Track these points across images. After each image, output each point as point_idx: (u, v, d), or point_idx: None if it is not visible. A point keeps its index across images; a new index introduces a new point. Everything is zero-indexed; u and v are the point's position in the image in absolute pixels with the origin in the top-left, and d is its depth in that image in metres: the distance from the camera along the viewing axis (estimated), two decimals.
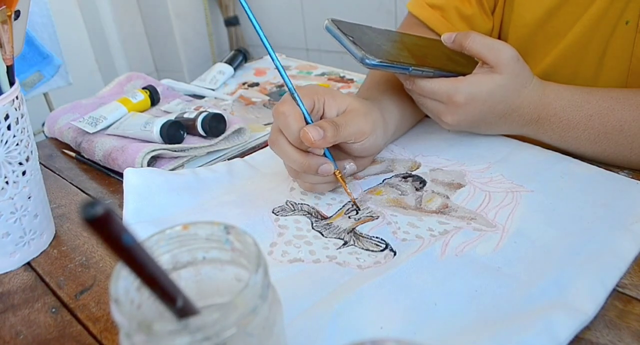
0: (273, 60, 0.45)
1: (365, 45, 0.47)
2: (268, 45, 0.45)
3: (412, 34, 0.57)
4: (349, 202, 0.48)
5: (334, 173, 0.46)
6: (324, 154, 0.46)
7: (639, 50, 0.53)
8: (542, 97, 0.50)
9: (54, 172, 0.61)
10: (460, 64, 0.52)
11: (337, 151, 0.48)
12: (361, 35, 0.49)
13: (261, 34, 0.44)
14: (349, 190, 0.47)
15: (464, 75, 0.50)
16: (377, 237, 0.43)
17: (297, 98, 0.45)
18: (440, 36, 0.63)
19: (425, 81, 0.50)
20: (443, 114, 0.51)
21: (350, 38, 0.47)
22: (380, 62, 0.46)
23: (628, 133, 0.47)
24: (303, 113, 0.45)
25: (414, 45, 0.54)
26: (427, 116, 0.60)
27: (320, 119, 0.47)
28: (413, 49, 0.53)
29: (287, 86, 0.45)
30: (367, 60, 0.46)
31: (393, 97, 0.55)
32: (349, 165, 0.47)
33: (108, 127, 0.62)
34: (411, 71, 0.49)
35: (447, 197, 0.47)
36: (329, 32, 0.48)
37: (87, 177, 0.59)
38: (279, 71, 0.45)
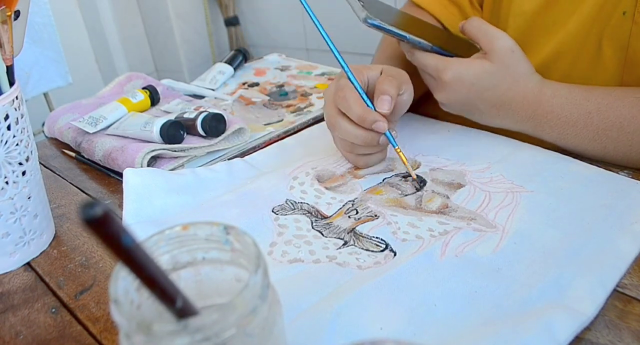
0: (329, 44, 0.50)
1: (372, 10, 0.50)
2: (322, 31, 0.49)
3: (422, 19, 0.59)
4: (349, 201, 0.48)
5: (396, 149, 0.50)
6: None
7: (635, 41, 0.53)
8: (538, 95, 0.50)
9: (54, 172, 0.61)
10: (461, 49, 0.54)
11: None
12: (372, 3, 0.52)
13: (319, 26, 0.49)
14: (408, 164, 0.50)
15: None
16: (377, 237, 0.43)
17: (355, 82, 0.49)
18: (438, 21, 0.66)
19: (421, 54, 0.53)
20: (434, 89, 0.54)
21: (361, 2, 0.50)
22: (381, 23, 0.49)
23: (627, 130, 0.47)
24: (361, 95, 0.49)
25: (419, 23, 0.57)
26: (425, 112, 0.61)
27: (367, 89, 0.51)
28: (417, 26, 0.55)
29: (346, 72, 0.49)
30: (369, 20, 0.49)
31: (402, 67, 0.58)
32: (395, 133, 0.51)
33: (108, 127, 0.62)
34: (409, 39, 0.51)
35: (447, 197, 0.47)
36: None
37: (87, 177, 0.59)
38: (336, 57, 0.50)
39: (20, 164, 0.43)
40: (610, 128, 0.48)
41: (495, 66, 0.50)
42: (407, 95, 0.51)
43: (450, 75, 0.51)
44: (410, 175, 0.51)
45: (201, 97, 0.76)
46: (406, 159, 0.50)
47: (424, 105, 0.63)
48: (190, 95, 0.75)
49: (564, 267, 0.37)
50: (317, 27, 0.49)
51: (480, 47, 0.52)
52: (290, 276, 0.39)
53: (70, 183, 0.58)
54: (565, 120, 0.50)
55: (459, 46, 0.55)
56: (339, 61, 0.50)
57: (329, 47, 0.50)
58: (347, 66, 0.49)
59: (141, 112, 0.66)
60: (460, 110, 0.54)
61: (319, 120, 0.67)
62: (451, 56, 0.52)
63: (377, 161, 0.53)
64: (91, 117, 0.63)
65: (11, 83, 0.43)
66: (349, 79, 0.49)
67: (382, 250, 0.41)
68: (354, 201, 0.48)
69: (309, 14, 0.48)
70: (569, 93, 0.50)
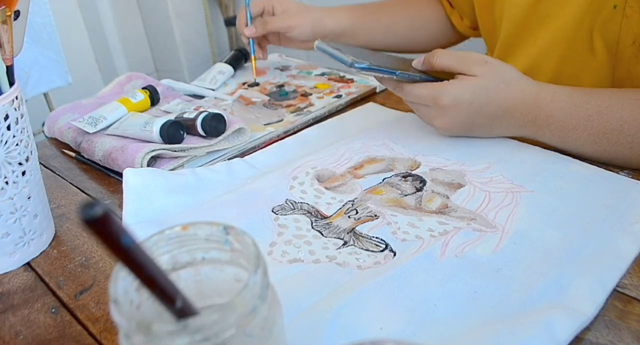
0: None
1: (354, 54, 0.51)
2: None
3: (397, 55, 0.61)
4: (349, 201, 0.48)
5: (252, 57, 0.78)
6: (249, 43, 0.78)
7: (625, 35, 0.53)
8: (537, 99, 0.50)
9: (54, 172, 0.61)
10: (444, 74, 0.54)
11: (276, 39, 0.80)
12: (349, 49, 0.54)
13: None
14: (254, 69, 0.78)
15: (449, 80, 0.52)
16: (377, 237, 0.43)
17: (247, 5, 0.76)
18: None
19: (412, 86, 0.53)
20: (433, 118, 0.53)
21: (339, 50, 0.52)
22: (369, 65, 0.50)
23: (628, 132, 0.47)
24: (247, 13, 0.77)
25: (398, 59, 0.58)
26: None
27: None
28: (398, 61, 0.56)
29: None
30: (356, 64, 0.50)
31: (359, 17, 0.76)
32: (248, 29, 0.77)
33: (108, 127, 0.62)
34: (398, 74, 0.52)
35: (447, 197, 0.47)
36: (319, 50, 0.54)
37: (87, 177, 0.59)
38: None
39: (20, 164, 0.43)
40: (610, 131, 0.48)
41: (483, 79, 0.50)
42: (290, 36, 0.75)
43: (448, 100, 0.50)
44: (410, 175, 0.51)
45: (201, 97, 0.76)
46: (254, 61, 0.78)
47: None
48: (190, 95, 0.75)
49: (564, 267, 0.37)
50: None
51: (457, 72, 0.52)
52: (290, 276, 0.39)
53: (70, 183, 0.58)
54: (565, 124, 0.50)
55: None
56: None
57: None
58: None
59: (141, 112, 0.66)
60: (460, 130, 0.54)
61: (319, 120, 0.67)
62: (439, 80, 0.52)
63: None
64: (91, 117, 0.63)
65: (11, 83, 0.43)
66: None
67: (382, 250, 0.41)
68: (353, 201, 0.48)
69: None
70: (569, 97, 0.50)
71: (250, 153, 0.59)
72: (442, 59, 0.52)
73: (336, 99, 0.71)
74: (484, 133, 0.54)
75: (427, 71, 0.53)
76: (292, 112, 0.69)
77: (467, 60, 0.51)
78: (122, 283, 0.24)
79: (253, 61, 0.77)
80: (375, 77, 0.54)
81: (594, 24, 0.55)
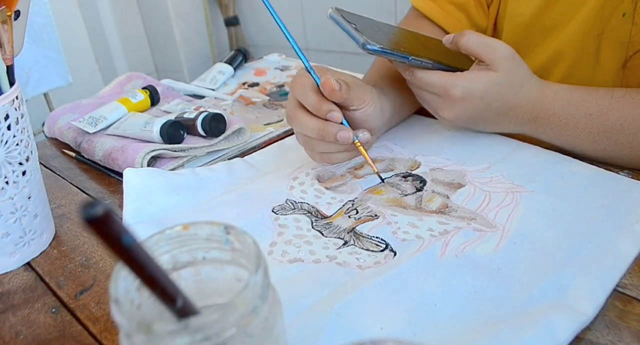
0: (289, 40, 0.48)
1: (367, 33, 0.48)
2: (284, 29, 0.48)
3: (412, 30, 0.58)
4: (349, 201, 0.48)
5: (355, 143, 0.48)
6: (342, 122, 0.48)
7: (634, 43, 0.53)
8: (541, 97, 0.50)
9: (54, 172, 0.61)
10: (459, 61, 0.53)
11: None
12: (363, 24, 0.50)
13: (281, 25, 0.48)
14: (369, 160, 0.49)
15: (461, 71, 0.51)
16: (377, 237, 0.43)
17: (312, 71, 0.48)
18: (440, 27, 0.64)
19: (424, 72, 0.51)
20: (440, 108, 0.52)
21: (353, 25, 0.48)
22: (382, 48, 0.47)
23: (628, 132, 0.47)
24: (317, 84, 0.47)
25: (413, 38, 0.55)
26: (425, 113, 0.60)
27: None
28: (413, 42, 0.54)
29: (303, 62, 0.48)
30: (369, 46, 0.47)
31: (392, 86, 0.57)
32: (362, 134, 0.49)
33: (108, 127, 0.62)
34: (411, 60, 0.49)
35: (447, 197, 0.47)
36: (331, 19, 0.49)
37: (87, 177, 0.59)
38: (295, 50, 0.48)
39: (21, 163, 0.43)
40: (610, 130, 0.48)
41: (501, 76, 0.49)
42: (361, 114, 0.49)
43: (460, 92, 0.49)
44: (410, 175, 0.51)
45: (201, 97, 0.76)
46: (368, 155, 0.49)
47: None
48: (190, 95, 0.75)
49: (564, 267, 0.37)
50: (277, 23, 0.47)
51: (479, 59, 0.50)
52: (290, 276, 0.39)
53: (70, 183, 0.58)
54: (566, 122, 0.50)
55: (454, 56, 0.54)
56: (297, 53, 0.48)
57: (289, 41, 0.48)
58: (306, 59, 0.48)
59: (141, 112, 0.66)
60: (465, 123, 0.53)
61: None
62: (452, 70, 0.51)
63: (338, 160, 0.51)
64: (91, 117, 0.63)
65: (11, 83, 0.43)
66: (307, 69, 0.48)
67: (382, 250, 0.41)
68: (354, 201, 0.48)
69: (270, 12, 0.47)
70: (570, 95, 0.50)
71: (250, 153, 0.59)
72: (470, 42, 0.50)
73: None
74: (487, 128, 0.54)
75: (440, 60, 0.51)
76: None
77: (495, 51, 0.49)
78: (123, 283, 0.24)
79: (363, 151, 0.49)
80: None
81: (601, 33, 0.55)
